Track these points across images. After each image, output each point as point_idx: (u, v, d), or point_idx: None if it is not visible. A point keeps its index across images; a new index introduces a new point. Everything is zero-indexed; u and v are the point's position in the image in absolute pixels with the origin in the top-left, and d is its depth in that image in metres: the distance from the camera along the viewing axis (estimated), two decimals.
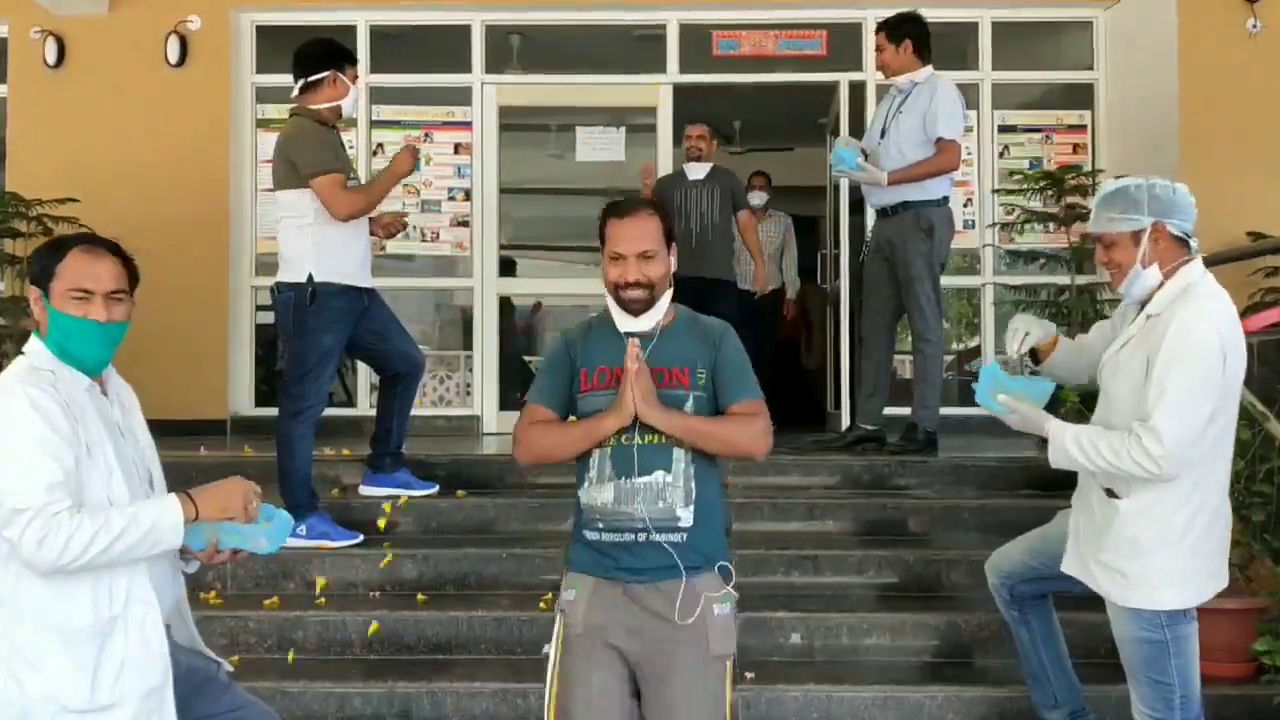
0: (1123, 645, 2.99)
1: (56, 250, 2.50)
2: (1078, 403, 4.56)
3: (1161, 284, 2.94)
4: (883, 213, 5.42)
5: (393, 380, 4.83)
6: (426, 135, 7.32)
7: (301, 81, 4.64)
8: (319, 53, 4.68)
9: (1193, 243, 2.96)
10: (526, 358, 7.96)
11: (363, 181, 4.86)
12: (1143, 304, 3.01)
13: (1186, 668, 2.92)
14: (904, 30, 5.34)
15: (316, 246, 4.48)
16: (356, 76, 4.73)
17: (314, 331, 4.47)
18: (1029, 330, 3.22)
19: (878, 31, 5.47)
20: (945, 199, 5.34)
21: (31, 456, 2.29)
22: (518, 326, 7.97)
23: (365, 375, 7.07)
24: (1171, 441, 2.76)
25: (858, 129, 6.20)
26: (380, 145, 7.31)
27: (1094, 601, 3.11)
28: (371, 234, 4.84)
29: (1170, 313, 2.86)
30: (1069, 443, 2.94)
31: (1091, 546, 3.01)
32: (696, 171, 6.46)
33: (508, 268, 7.54)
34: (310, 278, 4.46)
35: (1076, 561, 3.07)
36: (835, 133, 7.30)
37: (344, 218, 4.47)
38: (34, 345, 2.48)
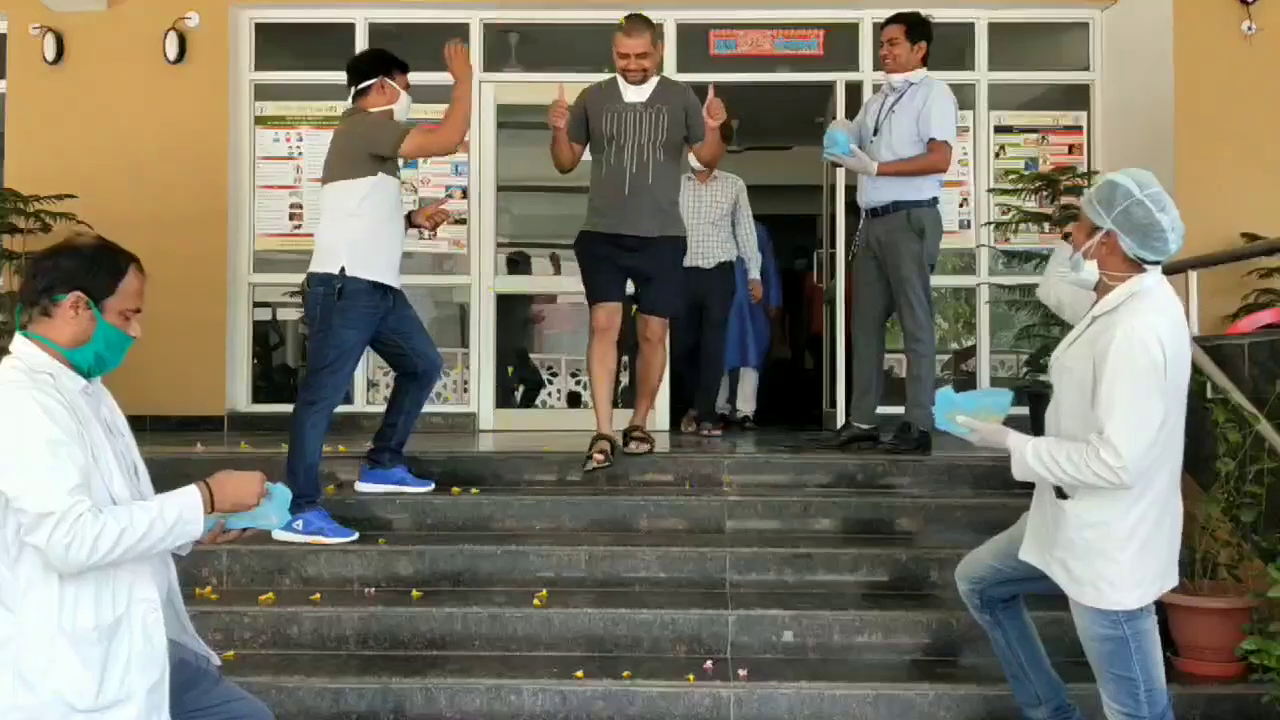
0: (1086, 643, 3.04)
1: (116, 265, 2.50)
2: None
3: (1110, 288, 2.97)
4: (873, 212, 5.44)
5: (409, 379, 4.91)
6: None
7: (353, 90, 4.84)
8: (367, 60, 4.91)
9: (1147, 268, 2.94)
10: (533, 355, 7.97)
11: (400, 178, 4.95)
12: (1092, 305, 3.05)
13: (1149, 661, 2.96)
14: (921, 31, 5.39)
15: (351, 240, 4.61)
16: (409, 84, 4.90)
17: (338, 327, 4.59)
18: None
19: (895, 23, 5.44)
20: (935, 200, 5.38)
21: (49, 461, 2.30)
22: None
23: (363, 372, 7.09)
24: (1129, 452, 2.80)
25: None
26: None
27: None
28: (416, 225, 5.03)
29: (1114, 320, 2.89)
30: (1030, 456, 2.98)
31: (1048, 541, 3.07)
32: (636, 93, 5.07)
33: (506, 265, 7.56)
34: (342, 270, 4.57)
35: (1034, 550, 3.12)
36: None
37: (458, 140, 4.73)
38: (26, 348, 2.44)
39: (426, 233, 6.67)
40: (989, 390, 3.22)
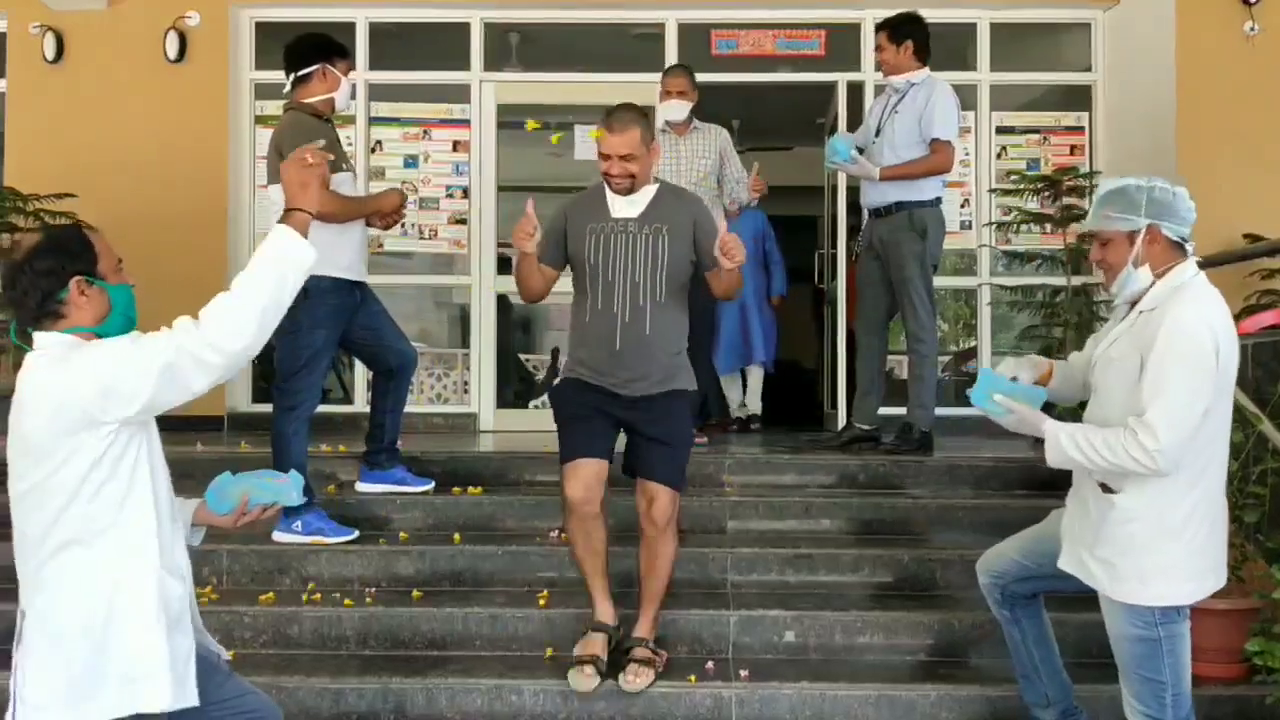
0: (1116, 643, 3.01)
1: (79, 236, 2.52)
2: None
3: (1153, 283, 2.97)
4: (876, 213, 5.43)
5: (385, 376, 4.85)
6: (425, 132, 7.33)
7: (292, 77, 4.65)
8: (307, 47, 4.69)
9: (1188, 246, 2.98)
10: (524, 356, 7.97)
11: (357, 174, 4.85)
12: (1133, 302, 3.03)
13: (1179, 665, 2.94)
14: (905, 31, 5.37)
15: (310, 239, 4.47)
16: (350, 69, 4.73)
17: (306, 328, 4.47)
18: (1017, 375, 3.21)
19: (879, 31, 5.47)
20: (938, 200, 5.37)
21: (136, 346, 2.36)
22: None
23: (362, 372, 7.08)
24: (1167, 436, 2.78)
25: (855, 128, 6.19)
26: (379, 142, 7.32)
27: (1086, 601, 3.12)
28: (369, 224, 4.87)
29: (1162, 310, 2.89)
30: (1065, 441, 2.95)
31: (1087, 541, 3.03)
32: (626, 206, 3.84)
33: (506, 265, 7.56)
34: None
35: (1072, 558, 3.09)
36: (834, 132, 7.31)
37: (335, 218, 4.45)
38: (52, 338, 2.43)
39: (425, 226, 6.64)
40: (1028, 386, 3.19)
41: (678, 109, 5.76)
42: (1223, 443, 2.96)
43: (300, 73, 4.62)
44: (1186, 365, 2.80)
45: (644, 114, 3.83)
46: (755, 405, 7.41)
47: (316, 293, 4.45)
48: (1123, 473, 2.90)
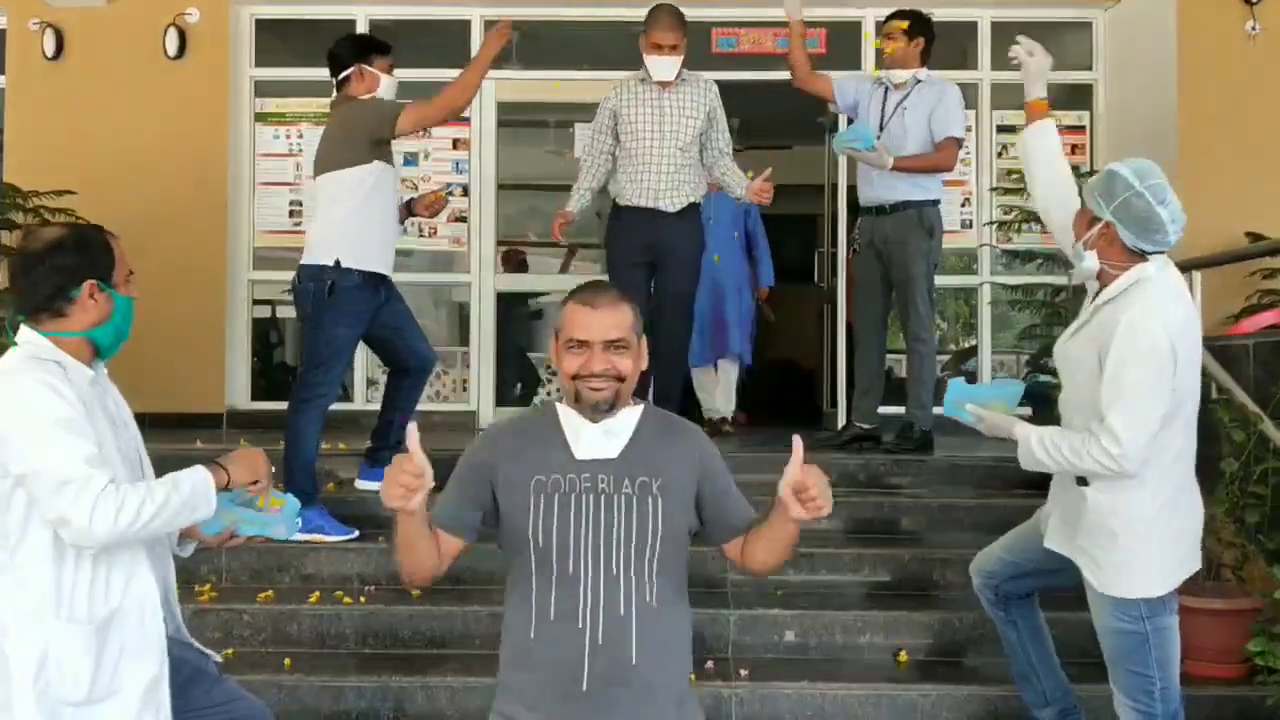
0: (1103, 637, 3.03)
1: (103, 242, 2.50)
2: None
3: (1113, 276, 2.95)
4: (880, 210, 5.42)
5: (402, 375, 4.87)
6: (425, 131, 7.30)
7: (335, 82, 4.76)
8: (342, 49, 4.78)
9: (1151, 257, 2.92)
10: (532, 356, 7.95)
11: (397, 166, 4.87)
12: (1095, 294, 3.04)
13: (1166, 659, 2.96)
14: (920, 29, 5.40)
15: (348, 231, 4.53)
16: (391, 66, 4.78)
17: (331, 324, 4.52)
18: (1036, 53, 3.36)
19: (893, 18, 5.46)
20: (939, 200, 5.40)
21: (62, 434, 2.28)
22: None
23: (362, 371, 7.08)
24: (1128, 440, 2.80)
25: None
26: None
27: (1081, 601, 3.12)
28: (416, 214, 4.98)
29: (1119, 308, 2.88)
30: (1034, 445, 2.98)
31: (1071, 528, 3.05)
32: (598, 439, 2.41)
33: (505, 264, 7.55)
34: (337, 263, 4.49)
35: (1061, 539, 3.09)
36: (834, 131, 7.29)
37: (460, 103, 4.69)
38: (31, 336, 2.43)
39: (425, 224, 6.65)
40: (1002, 381, 3.20)
41: (670, 66, 4.97)
42: (1188, 433, 2.95)
43: (340, 77, 4.71)
44: (1144, 369, 2.80)
45: (625, 294, 2.50)
46: (727, 407, 6.84)
47: (345, 289, 4.50)
48: (1089, 476, 2.92)
